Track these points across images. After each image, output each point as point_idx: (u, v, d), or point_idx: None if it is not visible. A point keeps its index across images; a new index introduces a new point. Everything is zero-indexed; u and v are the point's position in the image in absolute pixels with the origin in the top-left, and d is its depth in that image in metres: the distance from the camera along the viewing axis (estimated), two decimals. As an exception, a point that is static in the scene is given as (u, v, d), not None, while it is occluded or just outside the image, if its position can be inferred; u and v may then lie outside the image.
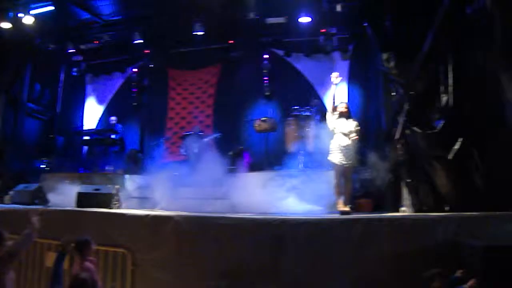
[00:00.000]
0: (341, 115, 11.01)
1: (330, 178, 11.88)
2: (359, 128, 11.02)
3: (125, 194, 14.19)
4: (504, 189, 9.40)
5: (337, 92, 11.29)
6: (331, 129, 11.09)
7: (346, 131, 10.84)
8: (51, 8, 16.49)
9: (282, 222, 8.67)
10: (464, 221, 8.40)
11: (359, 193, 12.46)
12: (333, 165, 11.03)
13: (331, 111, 11.11)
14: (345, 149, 10.78)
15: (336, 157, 10.84)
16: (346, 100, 13.37)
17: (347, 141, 10.79)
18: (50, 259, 9.86)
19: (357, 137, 10.84)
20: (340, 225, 8.64)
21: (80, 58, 20.18)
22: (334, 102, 11.09)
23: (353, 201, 11.50)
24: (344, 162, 10.78)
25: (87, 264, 7.89)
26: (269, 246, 8.51)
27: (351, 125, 10.90)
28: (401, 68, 11.56)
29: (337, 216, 10.21)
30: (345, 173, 10.91)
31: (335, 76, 11.02)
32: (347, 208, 10.61)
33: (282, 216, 9.58)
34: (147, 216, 9.92)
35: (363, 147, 11.89)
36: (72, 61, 20.33)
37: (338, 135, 10.89)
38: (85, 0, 17.00)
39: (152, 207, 12.75)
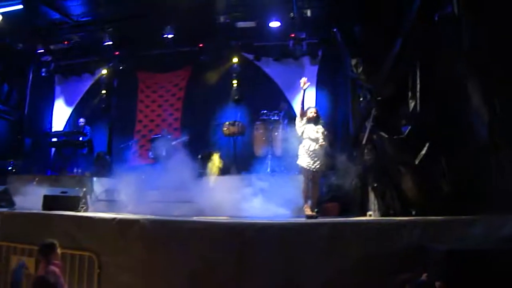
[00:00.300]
0: (310, 120, 11.06)
1: (297, 182, 11.95)
2: (326, 133, 11.08)
3: (93, 197, 14.13)
4: (469, 194, 9.52)
5: (306, 97, 11.30)
6: (299, 133, 11.14)
7: (314, 136, 10.89)
8: (20, 6, 16.23)
9: (248, 226, 8.66)
10: (429, 225, 8.46)
11: (326, 197, 12.49)
12: (301, 169, 11.12)
13: (300, 116, 11.14)
14: (313, 154, 10.85)
15: (304, 161, 10.90)
16: (314, 105, 13.42)
17: (315, 146, 10.85)
18: (16, 262, 9.83)
19: (324, 142, 10.89)
20: (306, 229, 8.66)
21: (49, 58, 19.89)
22: (303, 107, 11.13)
23: (321, 205, 11.50)
24: (312, 167, 10.86)
25: (52, 268, 7.84)
26: (236, 250, 8.49)
27: (320, 130, 10.94)
28: (369, 73, 11.62)
29: (303, 220, 10.24)
30: (313, 178, 10.97)
31: (303, 82, 11.04)
32: (313, 213, 10.69)
33: (249, 220, 9.61)
34: (113, 219, 9.85)
35: (331, 151, 11.90)
36: (41, 61, 20.06)
37: (307, 140, 10.95)
38: (55, -1, 16.84)
39: (120, 210, 12.67)
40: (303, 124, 11.09)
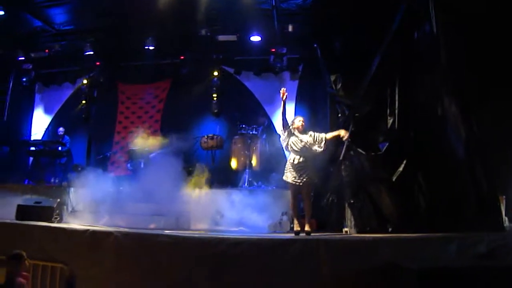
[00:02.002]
0: (296, 130, 10.65)
1: (274, 197, 11.91)
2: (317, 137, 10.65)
3: (69, 208, 14.00)
4: (446, 210, 9.55)
5: (287, 108, 11.01)
6: (284, 146, 10.85)
7: (299, 147, 10.48)
8: (1, 13, 16.11)
9: (221, 241, 8.58)
10: (402, 243, 8.44)
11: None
12: (287, 184, 10.75)
13: (283, 127, 10.70)
14: (298, 167, 10.43)
15: (290, 176, 10.50)
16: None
17: (299, 159, 10.44)
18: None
19: (319, 148, 10.62)
20: (278, 245, 8.56)
21: (30, 66, 19.67)
22: (284, 118, 10.65)
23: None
24: (298, 181, 10.41)
25: (20, 280, 7.74)
26: (208, 265, 8.40)
27: (306, 138, 10.57)
28: (348, 90, 11.64)
29: (277, 235, 10.18)
30: (301, 192, 10.63)
31: (282, 92, 10.61)
32: (307, 228, 10.44)
33: (222, 235, 9.52)
34: (86, 231, 9.72)
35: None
36: (22, 69, 19.83)
37: (292, 153, 10.60)
38: (37, 7, 16.66)
39: (96, 222, 12.55)
40: (286, 136, 10.66)
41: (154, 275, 8.72)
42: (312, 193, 11.29)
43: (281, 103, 10.61)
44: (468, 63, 9.69)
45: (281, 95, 10.52)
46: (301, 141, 10.56)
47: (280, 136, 11.05)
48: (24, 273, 7.91)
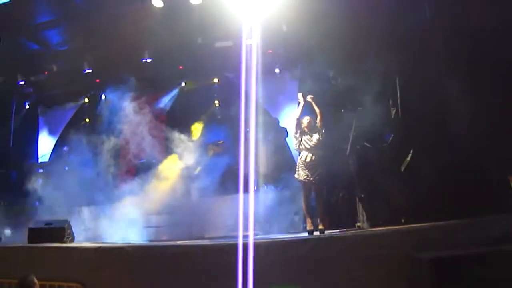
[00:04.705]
0: (306, 129, 10.83)
1: (284, 197, 11.86)
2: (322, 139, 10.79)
3: (82, 226, 14.00)
4: (456, 197, 9.46)
5: (302, 110, 11.05)
6: (296, 146, 10.96)
7: (309, 146, 10.64)
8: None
9: (231, 247, 8.54)
10: (414, 233, 8.37)
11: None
12: (300, 182, 10.85)
13: (295, 127, 10.92)
14: (309, 165, 10.57)
15: (302, 174, 10.62)
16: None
17: (311, 157, 10.59)
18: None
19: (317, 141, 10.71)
20: (290, 247, 8.53)
21: (31, 90, 19.82)
22: (298, 120, 10.91)
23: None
24: (311, 179, 10.55)
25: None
26: (219, 271, 8.36)
27: (315, 137, 10.70)
28: (348, 84, 11.59)
29: (286, 236, 10.15)
30: (314, 190, 10.75)
31: (300, 96, 11.05)
32: (320, 226, 10.50)
33: (232, 240, 9.48)
34: (98, 248, 9.74)
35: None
36: (23, 93, 19.94)
37: (303, 151, 10.72)
38: (33, 31, 16.72)
39: (109, 238, 12.58)
40: (299, 135, 10.85)
41: (167, 286, 8.71)
42: (324, 191, 11.28)
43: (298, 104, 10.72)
44: (466, 43, 9.61)
45: (300, 99, 11.04)
46: (312, 139, 10.72)
47: (286, 136, 11.09)
48: (36, 297, 7.87)
